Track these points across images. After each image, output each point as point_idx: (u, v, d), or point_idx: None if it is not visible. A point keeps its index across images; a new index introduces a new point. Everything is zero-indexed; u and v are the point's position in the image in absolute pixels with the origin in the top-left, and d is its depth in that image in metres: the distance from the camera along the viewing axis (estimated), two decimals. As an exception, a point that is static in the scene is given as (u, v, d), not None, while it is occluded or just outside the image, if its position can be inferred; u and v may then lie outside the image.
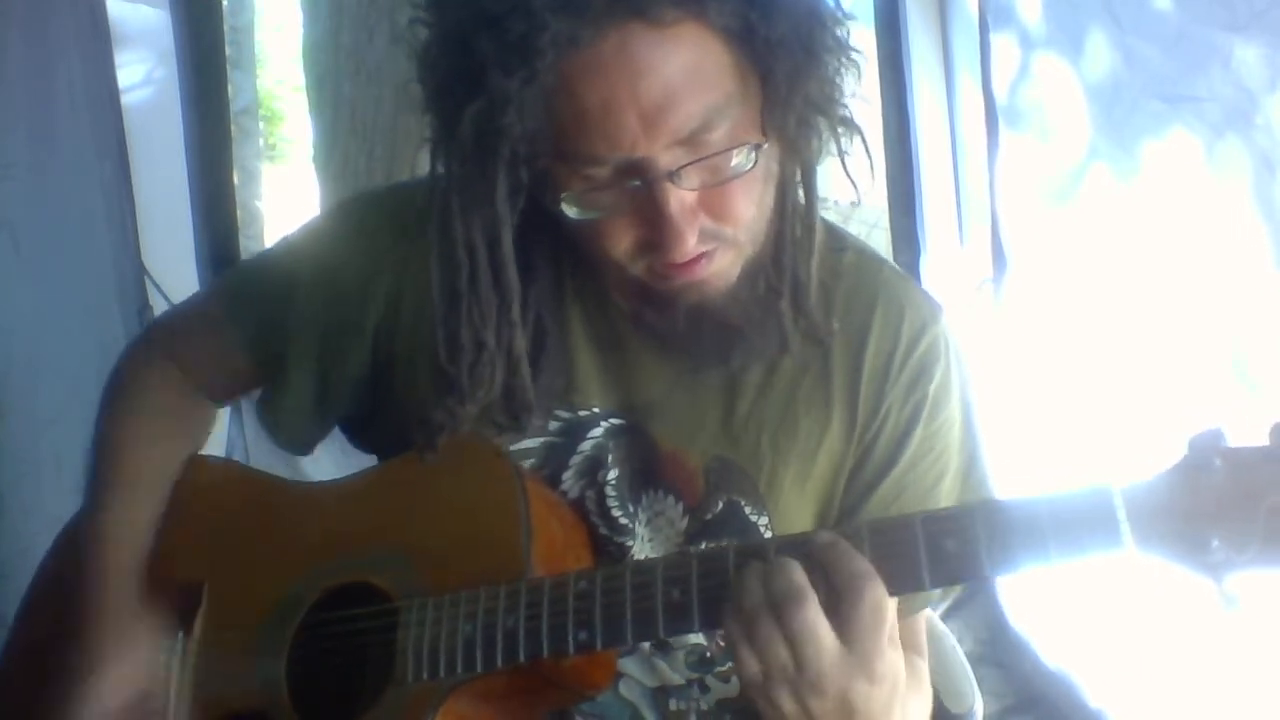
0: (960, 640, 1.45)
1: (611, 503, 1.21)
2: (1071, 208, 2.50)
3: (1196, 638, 2.20)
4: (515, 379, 1.14)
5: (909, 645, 1.12)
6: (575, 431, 1.21)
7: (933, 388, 1.21)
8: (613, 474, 1.21)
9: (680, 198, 0.99)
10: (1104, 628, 2.54)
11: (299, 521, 1.28)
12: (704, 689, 1.26)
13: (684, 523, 1.21)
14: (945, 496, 1.22)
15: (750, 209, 1.06)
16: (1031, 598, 2.93)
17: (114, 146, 2.66)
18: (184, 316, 1.43)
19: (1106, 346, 2.42)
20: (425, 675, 1.08)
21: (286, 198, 8.63)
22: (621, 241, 1.04)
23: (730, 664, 1.22)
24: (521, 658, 1.05)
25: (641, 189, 0.99)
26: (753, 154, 1.01)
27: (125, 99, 2.73)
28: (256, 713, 1.18)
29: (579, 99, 0.95)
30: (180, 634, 1.22)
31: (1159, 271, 2.24)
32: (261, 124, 8.15)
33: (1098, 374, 2.45)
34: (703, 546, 1.19)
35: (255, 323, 1.29)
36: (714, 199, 1.02)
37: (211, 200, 3.02)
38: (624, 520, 1.21)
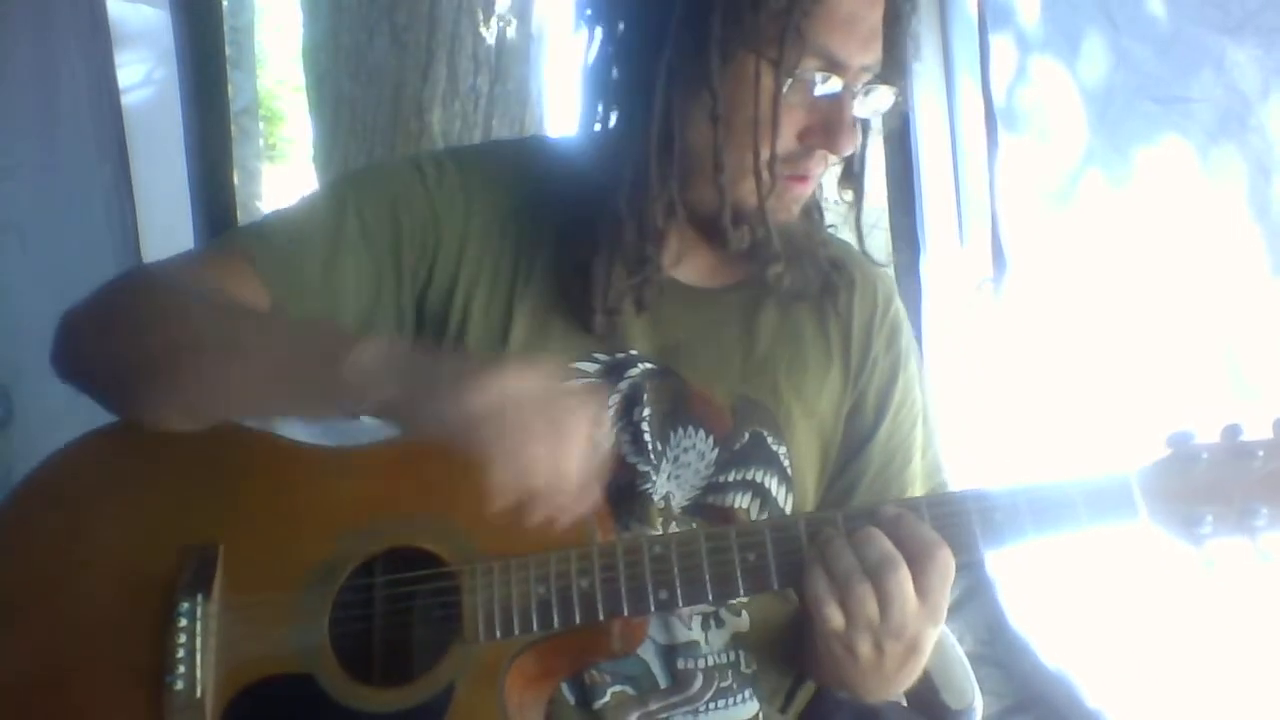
0: (960, 640, 1.49)
1: (646, 437, 1.32)
2: (1070, 210, 2.50)
3: (1196, 638, 2.20)
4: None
5: None
6: (614, 372, 1.32)
7: (903, 342, 1.44)
8: (647, 411, 1.31)
9: (854, 109, 1.21)
10: (1104, 628, 2.54)
11: (321, 484, 1.25)
12: (719, 623, 1.34)
13: (714, 454, 1.33)
14: (919, 437, 1.43)
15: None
16: (1031, 598, 2.93)
17: (114, 147, 2.66)
18: (185, 259, 1.32)
19: (1105, 348, 2.42)
20: (498, 634, 1.13)
21: (286, 198, 8.62)
22: (785, 139, 1.22)
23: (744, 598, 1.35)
24: (600, 616, 1.13)
25: (833, 95, 1.20)
26: (877, 100, 1.24)
27: (125, 99, 2.73)
28: (296, 675, 1.16)
29: (836, 3, 1.17)
30: (200, 596, 1.17)
31: (1156, 275, 2.24)
32: (261, 124, 8.16)
33: (1096, 375, 2.46)
34: (732, 475, 1.33)
35: (286, 259, 1.24)
36: None
37: (211, 200, 3.02)
38: (653, 456, 1.32)
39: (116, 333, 1.20)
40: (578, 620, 1.12)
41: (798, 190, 1.28)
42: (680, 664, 1.32)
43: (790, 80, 1.18)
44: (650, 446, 1.32)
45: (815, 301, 1.38)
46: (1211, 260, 2.10)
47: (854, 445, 1.40)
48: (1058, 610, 2.80)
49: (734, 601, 1.34)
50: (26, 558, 1.27)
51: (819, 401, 1.38)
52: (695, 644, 1.33)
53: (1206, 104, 2.02)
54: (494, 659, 1.13)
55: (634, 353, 1.33)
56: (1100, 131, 2.35)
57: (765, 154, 1.21)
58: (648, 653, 1.31)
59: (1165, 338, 2.23)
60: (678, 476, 1.33)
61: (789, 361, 1.37)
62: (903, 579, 1.07)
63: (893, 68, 1.25)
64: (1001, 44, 2.65)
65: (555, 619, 1.12)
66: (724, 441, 1.33)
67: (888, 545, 1.08)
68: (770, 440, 1.34)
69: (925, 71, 2.84)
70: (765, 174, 1.22)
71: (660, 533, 1.30)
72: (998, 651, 3.06)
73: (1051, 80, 2.49)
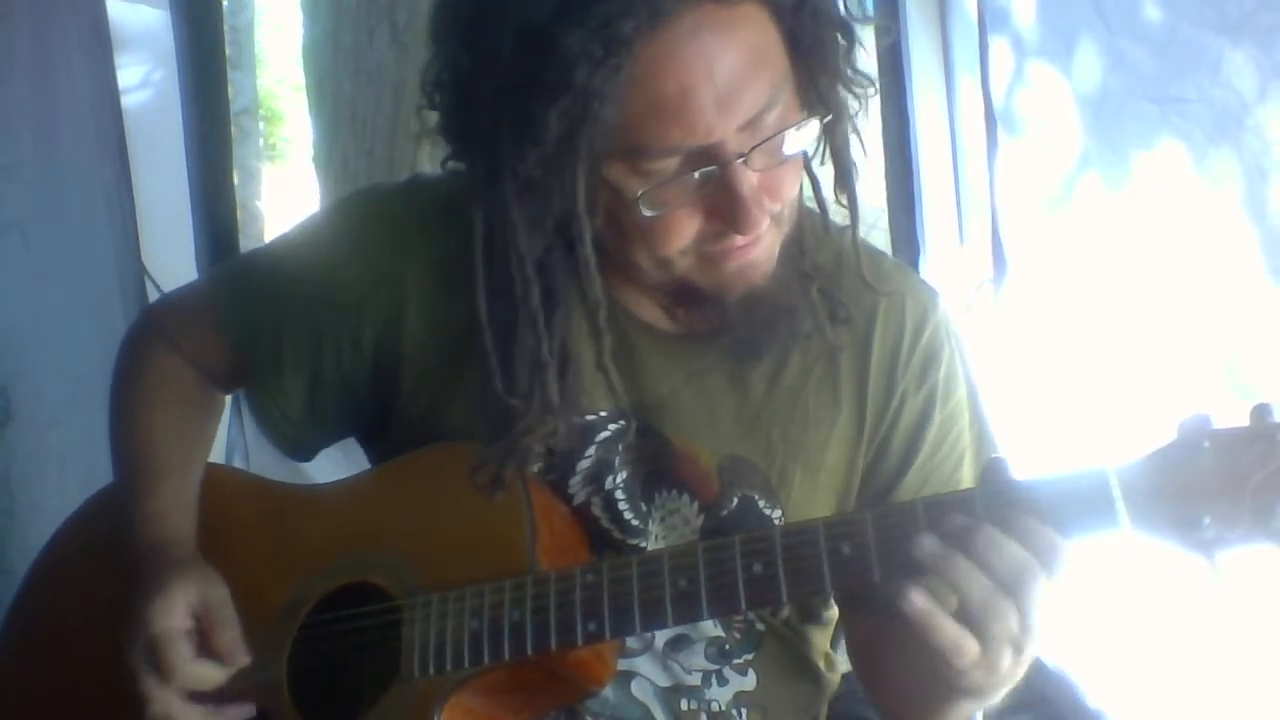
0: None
1: (622, 505, 1.22)
2: (1069, 211, 2.50)
3: (1197, 638, 2.20)
4: (568, 396, 1.15)
5: None
6: (582, 436, 1.21)
7: (941, 374, 1.24)
8: (621, 476, 1.22)
9: (750, 180, 1.02)
10: (1104, 628, 2.54)
11: (298, 525, 1.29)
12: (721, 681, 1.27)
13: (699, 520, 1.23)
14: (965, 480, 1.25)
15: (796, 187, 1.10)
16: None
17: (114, 146, 2.66)
18: (181, 307, 1.44)
19: (1103, 349, 2.42)
20: (431, 670, 1.10)
21: (286, 198, 8.64)
22: (684, 235, 1.06)
23: (747, 655, 1.27)
24: (529, 650, 1.07)
25: (712, 175, 1.01)
26: (807, 132, 1.05)
27: (126, 99, 2.73)
28: (258, 713, 1.19)
29: (656, 88, 0.96)
30: None
31: (1154, 276, 2.24)
32: (261, 124, 8.17)
33: (1095, 376, 2.46)
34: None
35: (249, 322, 1.30)
36: (770, 179, 1.05)
37: (211, 200, 3.02)
38: (636, 522, 1.23)
39: (115, 407, 1.39)
40: (507, 655, 1.08)
41: (741, 259, 1.09)
42: (684, 705, 1.26)
43: (644, 192, 1.01)
44: (627, 513, 1.22)
45: (821, 341, 1.20)
46: (1209, 262, 2.10)
47: (876, 492, 1.24)
48: (1058, 611, 2.79)
49: (738, 660, 1.27)
50: (63, 596, 1.38)
51: (825, 456, 1.23)
52: (698, 689, 1.26)
53: (1203, 105, 2.02)
54: (428, 696, 1.10)
55: (603, 413, 1.21)
56: (1096, 134, 2.35)
57: (671, 249, 1.07)
58: (645, 694, 1.25)
59: (1163, 339, 2.23)
60: (665, 538, 1.23)
61: (787, 414, 1.22)
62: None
63: (809, 93, 1.06)
64: (1000, 46, 2.65)
65: (485, 653, 1.08)
66: (710, 507, 1.22)
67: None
68: (762, 504, 1.22)
69: (925, 72, 2.84)
70: (686, 261, 1.09)
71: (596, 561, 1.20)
72: (997, 651, 3.05)
73: (1047, 83, 2.49)
